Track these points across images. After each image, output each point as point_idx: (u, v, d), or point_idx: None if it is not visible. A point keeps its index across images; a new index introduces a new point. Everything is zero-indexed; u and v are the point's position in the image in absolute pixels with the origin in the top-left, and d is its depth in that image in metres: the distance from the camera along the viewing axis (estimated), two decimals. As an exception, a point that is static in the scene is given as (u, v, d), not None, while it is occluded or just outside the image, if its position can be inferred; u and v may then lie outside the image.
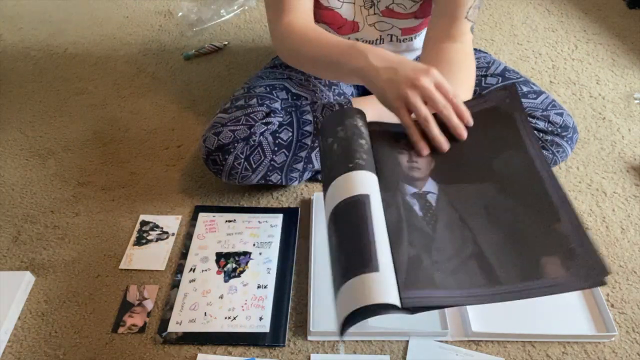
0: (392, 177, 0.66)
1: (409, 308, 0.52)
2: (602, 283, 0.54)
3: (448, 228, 0.61)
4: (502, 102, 0.72)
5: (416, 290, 0.53)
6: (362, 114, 0.72)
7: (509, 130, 0.70)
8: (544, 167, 0.66)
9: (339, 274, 0.55)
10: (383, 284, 0.53)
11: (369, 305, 0.51)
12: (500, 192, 0.64)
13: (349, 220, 0.58)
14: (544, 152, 0.95)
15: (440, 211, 0.63)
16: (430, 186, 0.66)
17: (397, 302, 0.51)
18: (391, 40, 1.00)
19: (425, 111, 0.67)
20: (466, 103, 0.71)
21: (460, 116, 0.68)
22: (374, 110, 0.87)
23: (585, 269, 0.55)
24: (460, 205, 0.64)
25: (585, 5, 1.62)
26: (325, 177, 0.66)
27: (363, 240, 0.56)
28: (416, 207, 0.63)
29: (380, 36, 0.98)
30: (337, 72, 0.83)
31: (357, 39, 0.97)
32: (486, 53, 1.07)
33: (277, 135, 0.93)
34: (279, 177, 0.96)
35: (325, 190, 0.65)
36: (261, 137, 0.91)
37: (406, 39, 1.00)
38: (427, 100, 0.68)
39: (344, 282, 0.54)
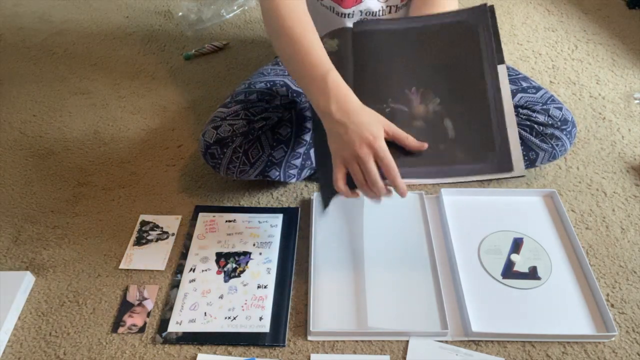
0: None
1: None
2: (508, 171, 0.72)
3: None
4: (468, 17, 0.79)
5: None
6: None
7: (468, 43, 0.78)
8: (492, 77, 0.76)
9: None
10: None
11: None
12: (450, 96, 0.77)
13: None
14: (544, 145, 0.96)
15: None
16: None
17: None
18: (390, 11, 1.00)
19: (360, 179, 0.71)
20: (434, 16, 0.81)
21: (397, 188, 0.71)
22: None
23: (498, 163, 0.73)
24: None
25: (585, 5, 1.62)
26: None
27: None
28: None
29: (382, 7, 0.98)
30: (301, 86, 0.81)
31: (361, 12, 0.97)
32: None
33: (276, 130, 0.93)
34: (277, 173, 0.96)
35: None
36: (260, 131, 0.92)
37: (403, 6, 1.00)
38: (362, 171, 0.70)
39: None
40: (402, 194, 0.71)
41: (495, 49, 0.77)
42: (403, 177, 0.70)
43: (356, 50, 0.79)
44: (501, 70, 0.76)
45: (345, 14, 0.98)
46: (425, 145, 0.73)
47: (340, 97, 0.73)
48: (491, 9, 0.79)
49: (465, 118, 0.75)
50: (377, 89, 0.78)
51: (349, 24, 1.02)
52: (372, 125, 0.70)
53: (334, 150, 0.72)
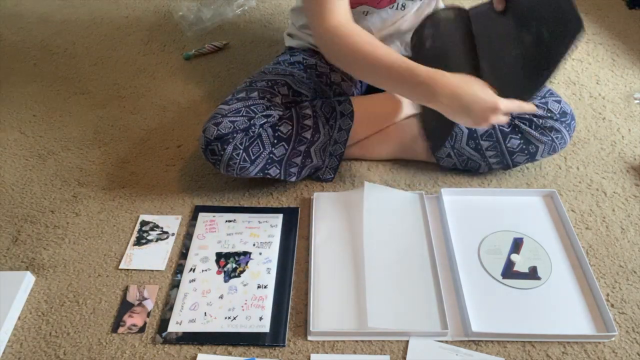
0: None
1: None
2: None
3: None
4: None
5: None
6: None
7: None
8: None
9: None
10: None
11: None
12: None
13: None
14: (544, 138, 0.97)
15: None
16: None
17: None
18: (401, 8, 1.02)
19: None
20: None
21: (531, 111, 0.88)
22: (369, 107, 1.04)
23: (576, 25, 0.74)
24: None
25: (585, 5, 1.62)
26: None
27: None
28: None
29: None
30: (404, 96, 0.94)
31: None
32: None
33: (277, 128, 0.93)
34: (278, 170, 0.96)
35: None
36: (260, 129, 0.92)
37: None
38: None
39: None
40: (534, 111, 0.87)
41: None
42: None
43: (474, 23, 0.92)
44: None
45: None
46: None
47: (442, 87, 0.80)
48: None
49: (545, 15, 0.80)
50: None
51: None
52: (483, 91, 0.80)
53: (469, 123, 0.83)
